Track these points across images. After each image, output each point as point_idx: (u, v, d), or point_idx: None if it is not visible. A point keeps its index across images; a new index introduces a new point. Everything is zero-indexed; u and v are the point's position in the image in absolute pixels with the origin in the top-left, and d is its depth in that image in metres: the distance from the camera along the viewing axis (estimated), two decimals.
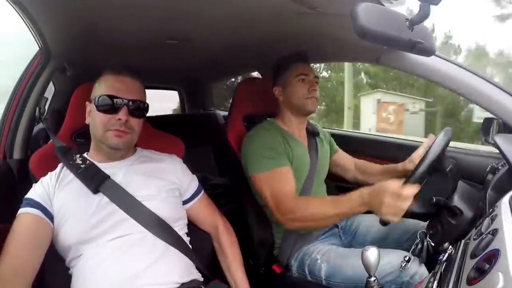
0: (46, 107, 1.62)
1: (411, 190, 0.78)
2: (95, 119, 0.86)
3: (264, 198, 1.05)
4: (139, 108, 0.88)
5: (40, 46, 1.10)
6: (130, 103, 0.86)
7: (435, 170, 0.85)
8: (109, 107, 0.85)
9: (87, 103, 0.90)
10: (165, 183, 0.93)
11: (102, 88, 0.87)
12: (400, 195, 0.77)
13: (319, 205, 0.95)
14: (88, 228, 0.80)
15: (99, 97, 0.85)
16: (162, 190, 0.92)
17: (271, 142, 1.09)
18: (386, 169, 1.24)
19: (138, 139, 0.93)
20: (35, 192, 0.83)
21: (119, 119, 0.84)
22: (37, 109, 1.20)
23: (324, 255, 1.04)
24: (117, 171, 0.89)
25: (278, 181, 1.03)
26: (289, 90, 1.18)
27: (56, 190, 0.84)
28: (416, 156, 1.12)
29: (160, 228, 0.86)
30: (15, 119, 1.13)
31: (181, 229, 0.93)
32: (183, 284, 0.82)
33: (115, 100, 0.84)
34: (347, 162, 1.37)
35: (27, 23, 0.95)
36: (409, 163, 1.14)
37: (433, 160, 0.82)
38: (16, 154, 1.12)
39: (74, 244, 0.80)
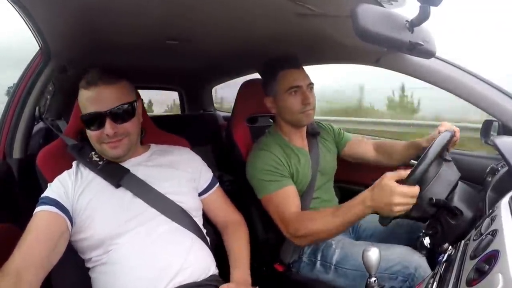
0: (46, 107, 1.62)
1: (415, 189, 0.76)
2: (89, 134, 0.86)
3: (273, 218, 1.07)
4: (124, 111, 0.84)
5: (40, 46, 1.09)
6: (113, 110, 0.82)
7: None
8: (94, 124, 0.83)
9: None
10: (183, 173, 0.95)
11: (82, 105, 0.86)
12: (406, 193, 0.76)
13: (322, 219, 0.92)
14: (118, 224, 0.81)
15: (82, 117, 0.85)
16: (182, 181, 0.93)
17: (270, 164, 1.07)
18: (410, 146, 1.13)
19: (145, 138, 0.93)
20: (52, 190, 0.83)
21: (107, 134, 0.82)
22: (37, 108, 1.20)
23: (339, 242, 1.06)
24: (135, 167, 0.90)
25: (282, 203, 1.04)
26: (281, 105, 1.12)
27: (77, 188, 0.84)
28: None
29: (185, 219, 0.88)
30: (15, 119, 1.13)
31: (199, 221, 0.94)
32: (209, 277, 0.85)
33: (96, 115, 0.82)
34: (363, 149, 1.28)
35: (27, 23, 0.94)
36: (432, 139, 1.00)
37: (431, 161, 0.78)
38: (16, 154, 1.12)
39: (104, 239, 0.80)
